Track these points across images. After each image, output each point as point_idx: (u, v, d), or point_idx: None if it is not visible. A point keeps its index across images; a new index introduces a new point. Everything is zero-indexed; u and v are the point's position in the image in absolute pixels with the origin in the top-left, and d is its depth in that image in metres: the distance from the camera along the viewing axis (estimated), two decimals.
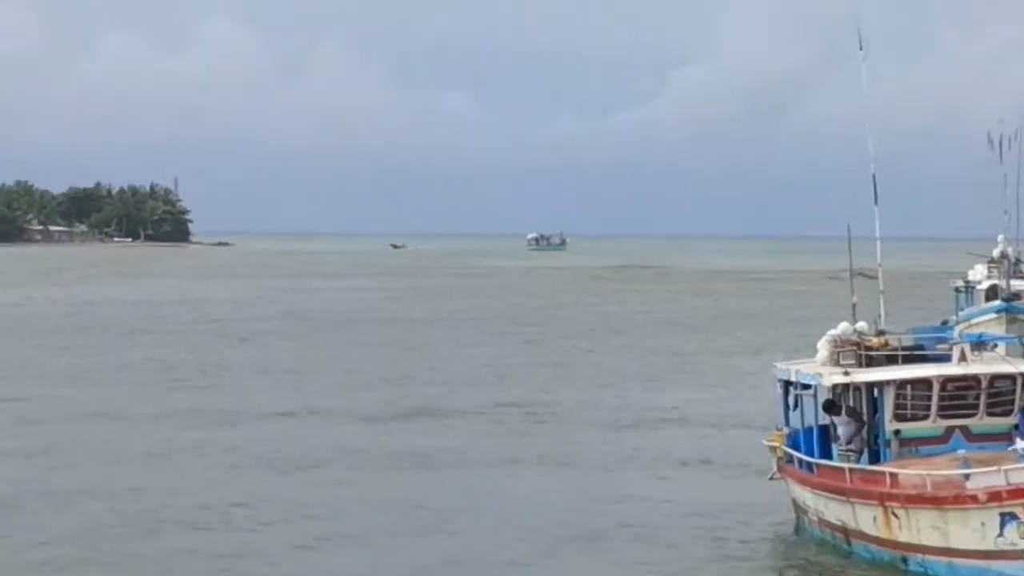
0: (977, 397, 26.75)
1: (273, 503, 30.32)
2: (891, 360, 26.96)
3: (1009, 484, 23.76)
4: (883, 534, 25.56)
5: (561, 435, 39.50)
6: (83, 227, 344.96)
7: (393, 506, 30.29)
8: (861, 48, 30.26)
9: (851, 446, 26.83)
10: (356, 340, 68.45)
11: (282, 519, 29.20)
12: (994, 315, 34.22)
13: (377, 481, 33.09)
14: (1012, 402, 26.84)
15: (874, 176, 29.56)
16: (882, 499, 25.44)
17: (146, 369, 54.76)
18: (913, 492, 24.92)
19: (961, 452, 25.71)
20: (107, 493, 30.98)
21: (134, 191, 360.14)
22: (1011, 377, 26.83)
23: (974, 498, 24.07)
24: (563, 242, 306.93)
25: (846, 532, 26.66)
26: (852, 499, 26.21)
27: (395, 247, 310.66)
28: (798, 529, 28.54)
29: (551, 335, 71.97)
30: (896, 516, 25.16)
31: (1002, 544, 23.99)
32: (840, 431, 27.05)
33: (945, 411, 26.64)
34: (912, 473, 25.17)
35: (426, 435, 39.52)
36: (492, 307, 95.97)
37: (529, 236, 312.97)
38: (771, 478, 29.78)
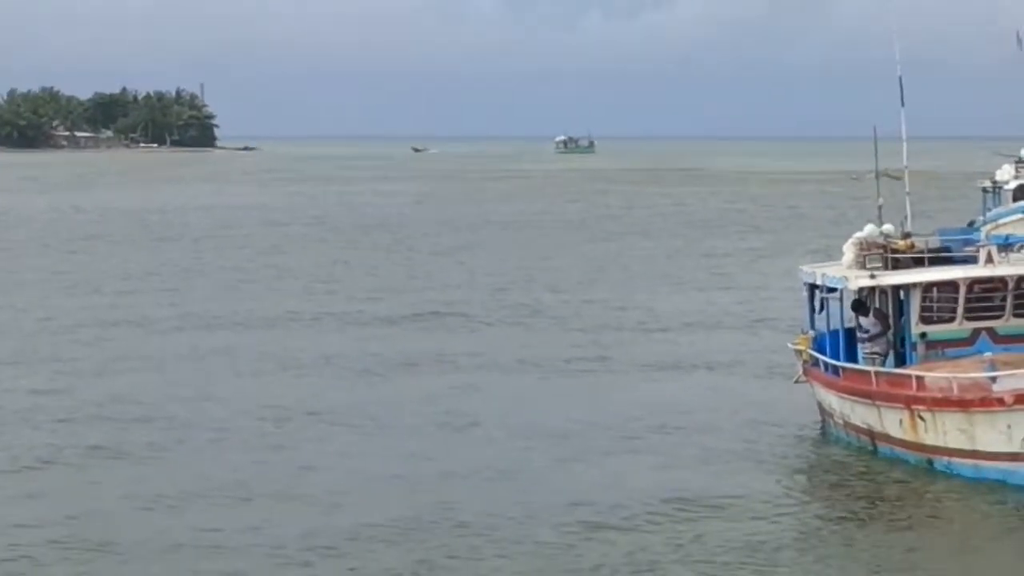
0: (1003, 299, 26.63)
1: (303, 406, 30.32)
2: (917, 263, 26.83)
3: None
4: (909, 437, 25.53)
5: (588, 338, 39.47)
6: (109, 133, 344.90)
7: (422, 410, 30.33)
8: None
9: (876, 348, 26.76)
10: (382, 245, 68.44)
11: (314, 422, 29.26)
12: (1021, 216, 33.92)
13: (407, 385, 33.09)
14: None
15: (900, 78, 29.29)
16: (908, 402, 25.40)
17: (172, 276, 54.78)
18: (939, 395, 24.87)
19: (987, 354, 25.58)
20: (138, 400, 30.95)
21: (160, 96, 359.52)
22: None
23: (1000, 400, 24.03)
24: (591, 144, 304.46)
25: (872, 435, 26.65)
26: (878, 402, 26.16)
27: (416, 150, 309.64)
28: (824, 432, 28.56)
29: (577, 239, 71.82)
30: (922, 419, 25.12)
31: None
32: (869, 331, 26.91)
33: (971, 313, 26.53)
34: (938, 376, 25.11)
35: (454, 338, 39.59)
36: (519, 211, 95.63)
37: (557, 139, 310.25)
38: (797, 381, 29.77)
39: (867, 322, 27.04)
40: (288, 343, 38.31)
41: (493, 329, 41.63)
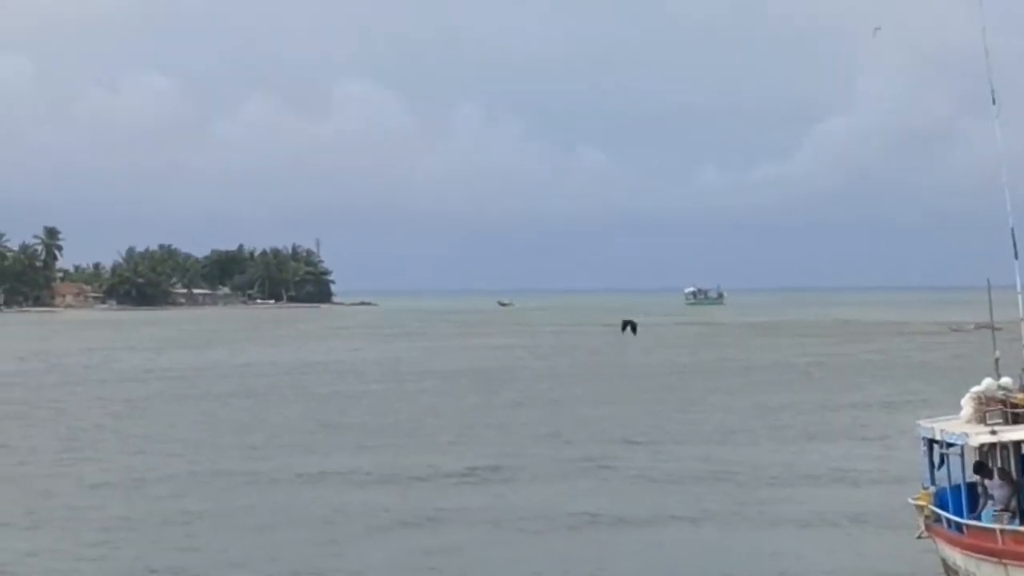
0: None
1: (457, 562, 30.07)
2: None
3: None
4: None
5: (709, 491, 39.17)
6: (226, 289, 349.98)
7: (564, 565, 30.03)
8: (994, 103, 29.83)
9: (1002, 506, 26.26)
10: (508, 398, 68.54)
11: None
12: None
13: (547, 540, 32.75)
14: None
15: (1012, 230, 29.08)
16: None
17: (309, 429, 55.03)
18: None
19: None
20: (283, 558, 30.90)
21: (276, 253, 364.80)
22: None
23: None
24: (720, 296, 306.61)
25: None
26: (1005, 561, 25.66)
27: (502, 304, 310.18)
28: None
29: (704, 391, 71.78)
30: None
31: None
32: (995, 494, 26.45)
33: None
34: None
35: (586, 493, 39.27)
36: (644, 363, 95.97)
37: (687, 290, 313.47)
38: (919, 537, 29.33)
39: (992, 484, 26.57)
40: (434, 498, 38.06)
41: (620, 482, 41.32)
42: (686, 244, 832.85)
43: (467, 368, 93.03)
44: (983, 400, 26.83)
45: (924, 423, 29.50)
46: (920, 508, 29.10)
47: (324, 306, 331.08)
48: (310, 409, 63.99)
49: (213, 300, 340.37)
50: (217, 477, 41.88)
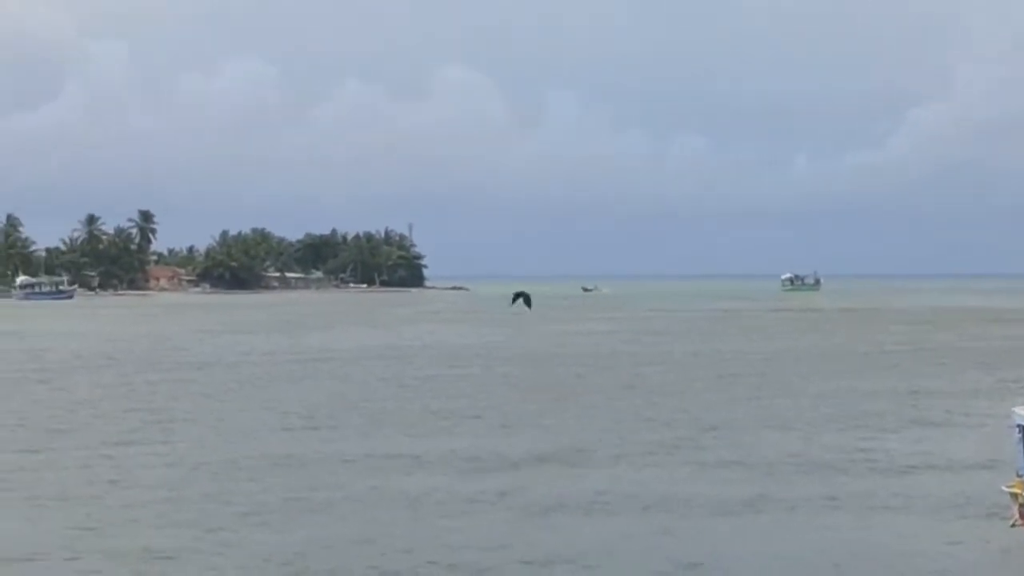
0: None
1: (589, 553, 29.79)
2: None
3: None
4: None
5: (808, 478, 38.78)
6: (319, 273, 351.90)
7: (660, 550, 29.73)
8: None
9: None
10: (603, 382, 68.29)
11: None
12: None
13: (640, 524, 32.38)
14: None
15: None
16: None
17: (409, 413, 55.05)
18: None
19: None
20: (370, 540, 30.76)
21: (369, 237, 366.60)
22: None
23: None
24: (817, 283, 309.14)
25: None
26: None
27: (586, 290, 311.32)
28: None
29: (800, 376, 71.28)
30: None
31: None
32: None
33: None
34: None
35: (682, 478, 38.89)
36: (741, 349, 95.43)
37: (783, 277, 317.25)
38: (1012, 525, 28.97)
39: None
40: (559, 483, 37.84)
41: (709, 467, 40.94)
42: (780, 232, 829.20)
43: (559, 352, 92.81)
44: None
45: (1019, 410, 29.15)
46: (1014, 496, 28.77)
47: (417, 290, 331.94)
48: (410, 393, 63.95)
49: (306, 284, 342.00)
50: (332, 461, 41.84)
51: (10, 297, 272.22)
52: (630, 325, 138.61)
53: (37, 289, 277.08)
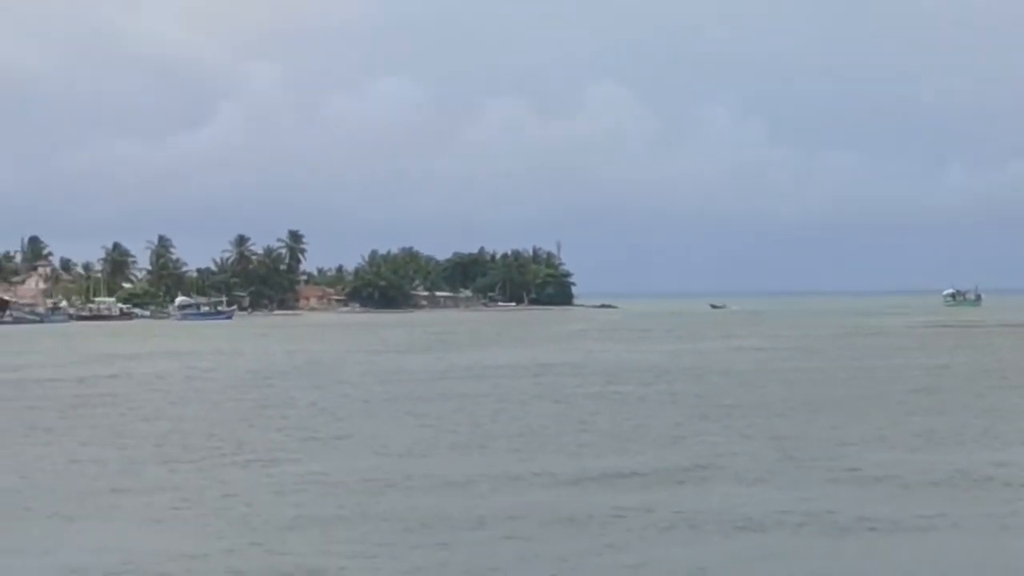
0: None
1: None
2: None
3: None
4: None
5: (962, 497, 35.98)
6: (467, 292, 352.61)
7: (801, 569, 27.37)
8: None
9: None
10: (743, 399, 65.58)
11: None
12: None
13: (797, 545, 29.97)
14: None
15: None
16: None
17: (564, 431, 52.80)
18: None
19: None
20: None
21: (517, 256, 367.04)
22: None
23: None
24: (978, 298, 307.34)
25: None
26: None
27: (714, 307, 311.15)
28: None
29: (960, 393, 68.09)
30: None
31: None
32: None
33: None
34: None
35: (825, 496, 36.28)
36: (899, 365, 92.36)
37: (945, 292, 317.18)
38: None
39: None
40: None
41: (863, 484, 38.17)
42: (934, 245, 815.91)
43: (710, 369, 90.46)
44: None
45: None
46: None
47: (565, 308, 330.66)
48: (563, 410, 61.88)
49: (455, 303, 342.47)
50: (491, 479, 39.70)
51: (168, 318, 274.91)
52: (778, 342, 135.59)
53: (196, 309, 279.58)
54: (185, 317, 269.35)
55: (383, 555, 28.51)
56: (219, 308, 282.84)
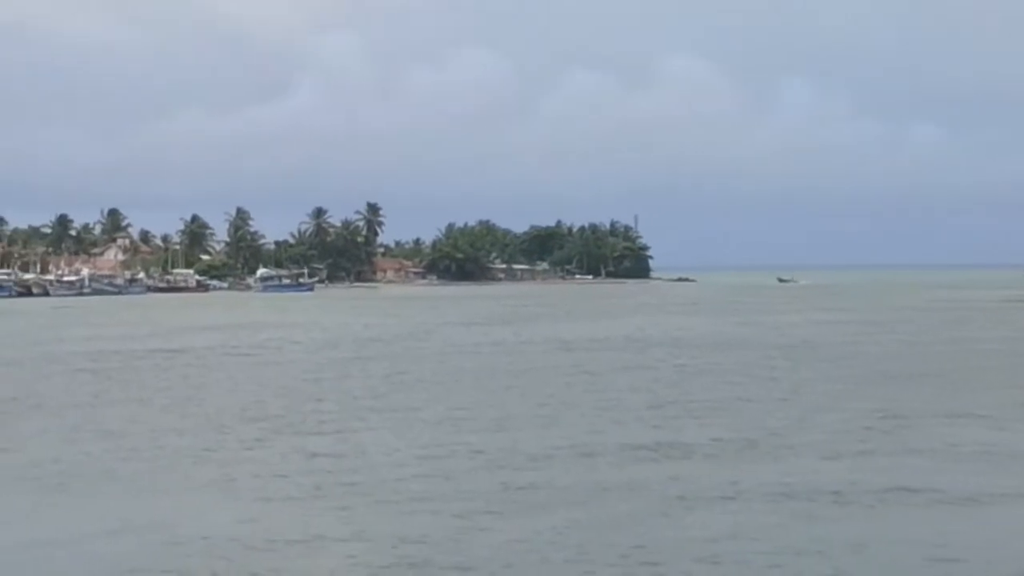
0: None
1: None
2: None
3: None
4: None
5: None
6: (544, 265, 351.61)
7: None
8: None
9: None
10: (832, 373, 64.87)
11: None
12: None
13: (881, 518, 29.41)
14: None
15: None
16: None
17: (646, 404, 52.36)
18: None
19: None
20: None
21: (594, 229, 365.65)
22: None
23: None
24: None
25: None
26: None
27: (782, 280, 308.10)
28: None
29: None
30: None
31: None
32: None
33: None
34: None
35: (922, 469, 35.75)
36: (982, 336, 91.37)
37: None
38: None
39: None
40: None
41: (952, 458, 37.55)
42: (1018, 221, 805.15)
43: (785, 342, 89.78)
44: None
45: None
46: None
47: (643, 282, 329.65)
48: (648, 383, 61.40)
49: (532, 275, 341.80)
50: (572, 451, 39.33)
51: (248, 290, 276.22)
52: (859, 316, 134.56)
53: (277, 281, 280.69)
54: (267, 289, 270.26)
55: (485, 523, 28.29)
56: (300, 280, 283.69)
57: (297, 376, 66.45)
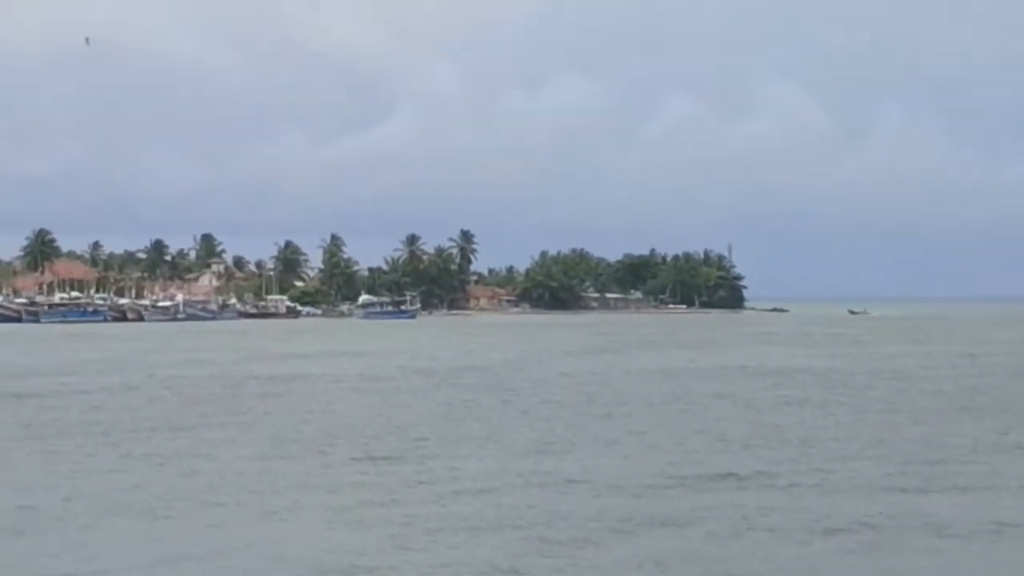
0: None
1: None
2: None
3: None
4: None
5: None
6: (638, 294, 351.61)
7: None
8: None
9: None
10: (934, 407, 64.22)
11: None
12: None
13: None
14: None
15: None
16: None
17: (744, 435, 52.10)
18: None
19: None
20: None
21: (687, 257, 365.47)
22: None
23: None
24: None
25: None
26: None
27: (852, 313, 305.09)
28: None
29: None
30: None
31: None
32: None
33: None
34: None
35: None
36: None
37: None
38: None
39: None
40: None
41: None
42: None
43: (881, 374, 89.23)
44: None
45: None
46: None
47: (737, 311, 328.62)
48: (743, 415, 61.11)
49: (625, 304, 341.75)
50: (660, 482, 39.19)
51: (343, 316, 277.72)
52: (941, 347, 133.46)
53: (379, 308, 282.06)
54: (368, 316, 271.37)
55: (567, 553, 28.24)
56: (402, 308, 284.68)
57: (424, 405, 66.51)
